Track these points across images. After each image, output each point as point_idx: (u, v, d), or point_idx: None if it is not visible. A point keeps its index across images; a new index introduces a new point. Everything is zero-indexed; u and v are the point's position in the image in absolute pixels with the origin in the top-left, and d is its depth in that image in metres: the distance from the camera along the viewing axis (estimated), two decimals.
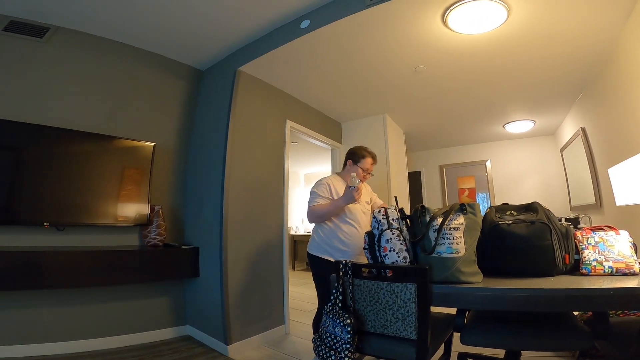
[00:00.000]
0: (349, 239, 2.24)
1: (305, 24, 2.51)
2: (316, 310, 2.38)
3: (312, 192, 2.33)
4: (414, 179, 6.15)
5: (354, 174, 2.16)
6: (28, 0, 2.34)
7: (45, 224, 2.37)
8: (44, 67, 2.57)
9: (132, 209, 2.78)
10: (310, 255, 2.34)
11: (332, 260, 2.16)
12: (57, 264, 2.26)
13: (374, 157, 2.43)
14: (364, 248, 1.56)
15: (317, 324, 2.27)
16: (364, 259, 2.13)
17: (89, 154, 2.63)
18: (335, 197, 2.26)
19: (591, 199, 3.59)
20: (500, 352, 1.94)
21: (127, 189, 2.77)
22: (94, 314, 2.58)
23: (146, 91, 3.08)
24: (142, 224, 2.83)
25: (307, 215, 2.32)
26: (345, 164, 2.48)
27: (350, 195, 2.10)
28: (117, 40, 2.91)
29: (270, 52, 2.73)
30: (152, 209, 2.86)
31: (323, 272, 2.21)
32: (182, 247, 2.91)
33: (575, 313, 1.92)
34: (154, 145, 2.94)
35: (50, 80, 2.59)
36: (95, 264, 2.41)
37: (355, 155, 2.41)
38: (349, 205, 2.24)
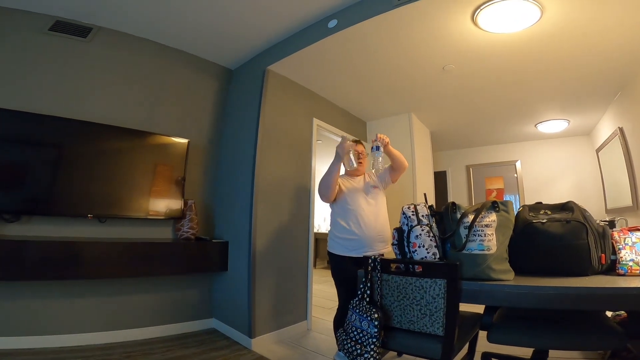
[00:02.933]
0: (356, 227, 2.26)
1: (332, 23, 2.53)
2: (337, 309, 2.40)
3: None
4: (440, 178, 6.05)
5: (350, 157, 2.20)
6: (72, 1, 2.48)
7: (89, 215, 2.51)
8: (88, 65, 2.72)
9: (167, 203, 2.89)
10: (329, 254, 2.39)
11: (346, 255, 2.25)
12: (98, 254, 2.37)
13: (356, 141, 2.49)
14: (393, 244, 1.57)
15: (337, 323, 2.29)
16: (384, 249, 2.24)
17: (129, 149, 2.76)
18: (343, 188, 2.35)
19: (628, 201, 3.44)
20: (526, 353, 1.91)
21: (163, 184, 2.89)
22: (126, 305, 2.69)
23: (181, 90, 3.20)
24: (176, 218, 2.94)
25: (318, 194, 2.41)
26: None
27: (341, 151, 2.17)
28: (154, 40, 3.04)
29: (298, 51, 2.77)
30: (185, 203, 2.96)
31: (341, 269, 2.28)
32: (213, 240, 3.00)
33: (609, 314, 1.87)
34: (188, 141, 3.04)
35: (93, 78, 2.73)
36: (133, 255, 2.52)
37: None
38: (350, 195, 2.32)
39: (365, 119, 4.49)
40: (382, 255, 2.24)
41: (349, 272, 2.09)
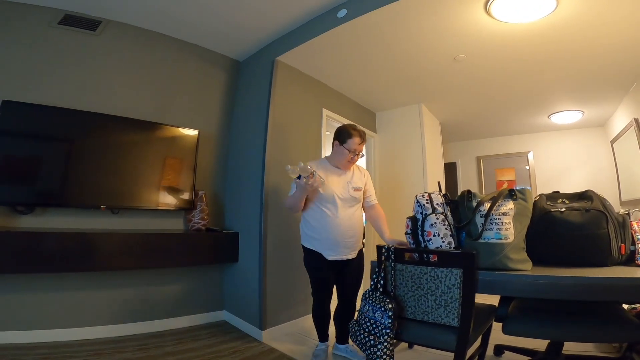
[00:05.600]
0: (318, 227, 2.12)
1: (342, 13, 2.49)
2: (313, 302, 2.30)
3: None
4: (450, 170, 6.00)
5: (301, 163, 1.90)
6: None
7: (102, 206, 2.53)
8: (98, 58, 2.72)
9: (178, 194, 2.90)
10: (302, 247, 2.26)
11: (313, 249, 2.15)
12: (110, 246, 2.38)
13: (362, 136, 2.15)
14: (406, 233, 1.55)
15: (319, 317, 2.28)
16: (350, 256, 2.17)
17: (140, 140, 2.77)
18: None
19: None
20: (539, 345, 1.89)
21: (174, 174, 2.90)
22: (137, 298, 2.70)
23: (190, 81, 3.20)
24: (187, 209, 2.95)
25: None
26: (333, 144, 2.25)
27: (301, 185, 1.93)
28: (162, 33, 3.03)
29: (307, 42, 2.74)
30: (196, 194, 2.96)
31: (311, 263, 2.20)
32: (224, 231, 3.01)
33: (625, 307, 1.84)
34: (199, 132, 3.04)
35: (103, 71, 2.73)
36: (145, 246, 2.53)
37: (341, 135, 2.17)
38: (323, 192, 2.07)
39: (375, 109, 4.46)
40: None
41: (315, 265, 2.17)
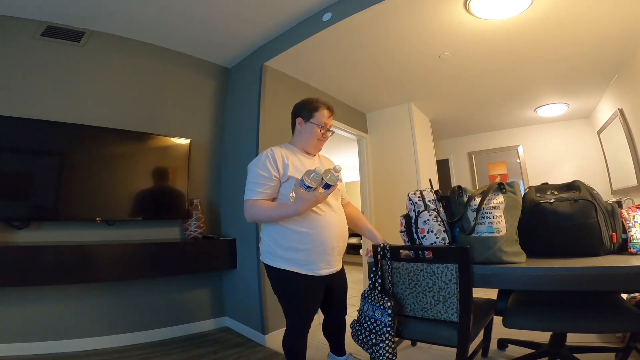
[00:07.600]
0: (308, 232, 1.58)
1: (327, 17, 2.52)
2: (287, 332, 1.77)
3: (249, 170, 1.68)
4: (442, 166, 6.04)
5: (338, 167, 1.44)
6: (62, 6, 2.44)
7: (97, 219, 2.51)
8: (83, 69, 2.69)
9: (173, 203, 2.90)
10: (267, 267, 1.70)
11: (293, 271, 1.58)
12: (108, 257, 2.38)
13: (330, 108, 1.75)
14: (401, 231, 1.56)
15: (299, 350, 1.74)
16: (332, 262, 1.65)
17: (132, 151, 2.76)
18: (290, 173, 1.60)
19: (633, 181, 3.43)
20: (543, 338, 1.91)
21: (167, 184, 2.89)
22: (139, 307, 2.69)
23: (179, 90, 3.19)
24: (183, 218, 2.94)
25: (244, 209, 1.66)
26: (294, 125, 1.81)
27: (311, 198, 1.44)
28: (148, 42, 3.02)
29: (294, 46, 2.76)
30: (191, 203, 2.96)
31: (294, 287, 1.63)
32: (221, 238, 3.01)
33: (624, 297, 1.86)
34: (190, 141, 3.04)
35: (89, 82, 2.70)
36: (143, 256, 2.53)
37: (304, 110, 1.73)
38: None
39: (365, 110, 4.49)
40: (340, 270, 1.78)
41: (301, 288, 1.63)
